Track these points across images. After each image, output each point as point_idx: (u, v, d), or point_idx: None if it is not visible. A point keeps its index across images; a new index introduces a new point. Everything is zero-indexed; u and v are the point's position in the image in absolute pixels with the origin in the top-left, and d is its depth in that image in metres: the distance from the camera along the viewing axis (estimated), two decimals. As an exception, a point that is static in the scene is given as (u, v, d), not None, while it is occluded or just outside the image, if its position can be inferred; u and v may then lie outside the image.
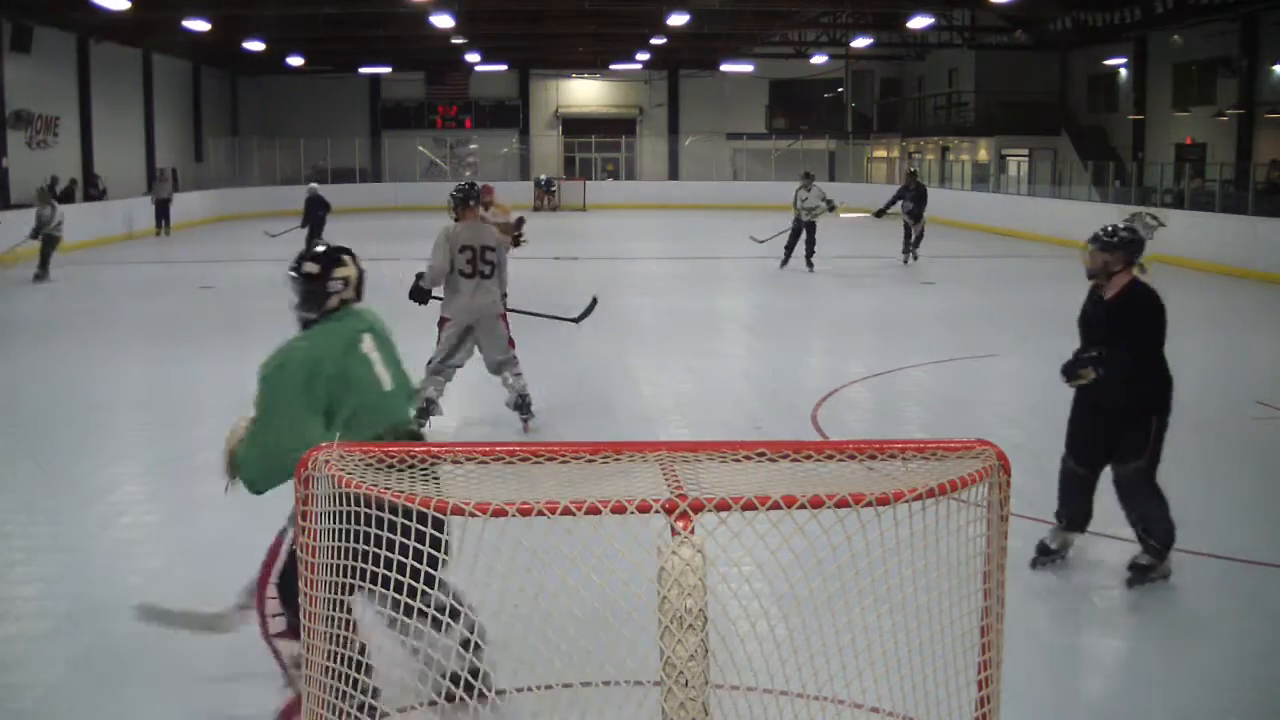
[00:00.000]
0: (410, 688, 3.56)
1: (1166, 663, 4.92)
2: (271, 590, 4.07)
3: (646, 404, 10.01)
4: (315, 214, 21.93)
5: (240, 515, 6.94)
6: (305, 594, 2.57)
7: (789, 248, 20.04)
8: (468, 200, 8.44)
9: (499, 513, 2.23)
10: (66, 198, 27.14)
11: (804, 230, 19.82)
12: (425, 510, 2.25)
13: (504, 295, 8.73)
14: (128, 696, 4.60)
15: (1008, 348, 12.48)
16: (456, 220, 8.42)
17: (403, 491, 2.33)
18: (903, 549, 2.51)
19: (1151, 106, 30.70)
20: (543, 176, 39.51)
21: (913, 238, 21.21)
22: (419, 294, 8.58)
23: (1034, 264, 22.48)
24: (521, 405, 8.65)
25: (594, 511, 2.23)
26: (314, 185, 23.21)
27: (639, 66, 40.72)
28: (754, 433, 8.52)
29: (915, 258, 21.24)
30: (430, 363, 8.45)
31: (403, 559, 2.45)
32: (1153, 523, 5.56)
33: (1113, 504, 7.07)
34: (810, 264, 19.82)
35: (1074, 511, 5.82)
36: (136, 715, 4.49)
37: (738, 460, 2.56)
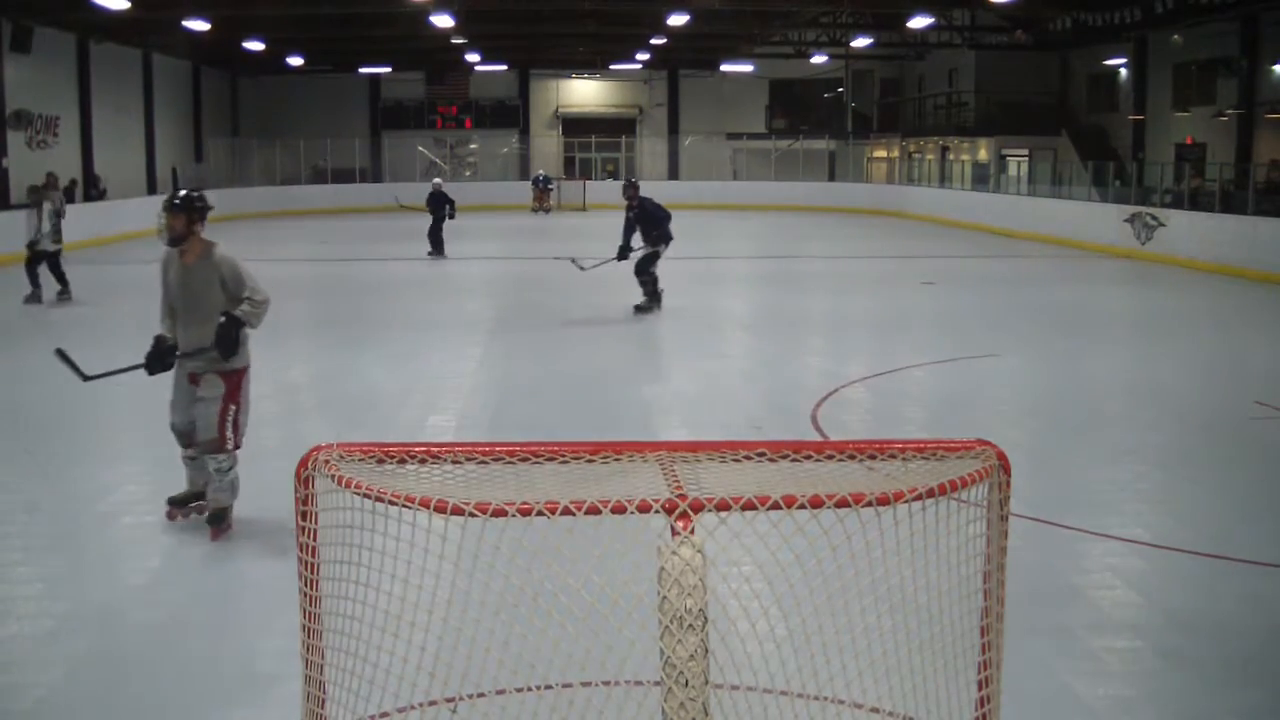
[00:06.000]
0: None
1: (1166, 663, 4.92)
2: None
3: (646, 404, 10.01)
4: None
5: (239, 515, 6.99)
6: (305, 594, 2.57)
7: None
8: None
9: (499, 513, 2.23)
10: (67, 197, 27.10)
11: None
12: None
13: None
14: (127, 696, 4.60)
15: (1008, 348, 12.46)
16: None
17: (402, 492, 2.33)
18: (903, 549, 2.51)
19: (1151, 106, 30.69)
20: (540, 173, 38.73)
21: None
22: None
23: (1034, 264, 22.50)
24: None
25: (594, 511, 2.23)
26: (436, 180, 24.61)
27: (639, 66, 40.69)
28: (754, 433, 8.52)
29: None
30: None
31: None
32: None
33: (1111, 504, 7.07)
34: None
35: None
36: (136, 715, 4.48)
37: (738, 460, 2.56)
